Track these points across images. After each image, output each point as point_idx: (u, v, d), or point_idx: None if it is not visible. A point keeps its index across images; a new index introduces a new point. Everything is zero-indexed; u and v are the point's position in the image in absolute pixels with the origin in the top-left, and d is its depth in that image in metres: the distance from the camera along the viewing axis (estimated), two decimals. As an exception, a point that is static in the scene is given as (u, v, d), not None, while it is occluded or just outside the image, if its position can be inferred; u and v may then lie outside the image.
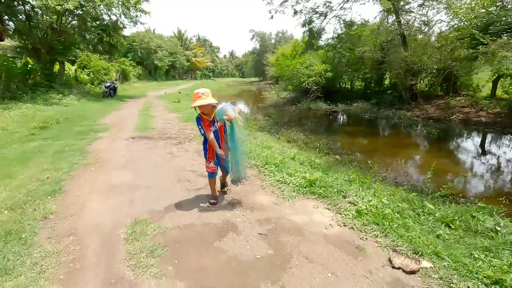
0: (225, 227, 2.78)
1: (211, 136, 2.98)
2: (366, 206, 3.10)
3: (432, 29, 16.06)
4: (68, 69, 18.19)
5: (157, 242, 2.48)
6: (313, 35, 16.93)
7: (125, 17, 15.79)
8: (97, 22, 15.14)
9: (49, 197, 3.30)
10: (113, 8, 14.64)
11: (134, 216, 2.93)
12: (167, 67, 43.28)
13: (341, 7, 15.58)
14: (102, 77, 20.62)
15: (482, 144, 10.80)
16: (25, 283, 1.95)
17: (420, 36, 16.33)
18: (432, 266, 2.20)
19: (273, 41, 62.05)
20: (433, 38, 16.00)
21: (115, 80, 21.52)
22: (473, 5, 11.87)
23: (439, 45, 13.82)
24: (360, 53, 18.99)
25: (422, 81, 18.70)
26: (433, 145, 10.29)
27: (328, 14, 15.51)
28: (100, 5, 13.31)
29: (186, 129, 7.58)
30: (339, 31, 17.28)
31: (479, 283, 1.97)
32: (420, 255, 2.32)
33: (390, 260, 2.28)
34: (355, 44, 18.17)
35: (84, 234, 2.61)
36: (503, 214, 3.38)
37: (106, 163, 4.68)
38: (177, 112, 10.90)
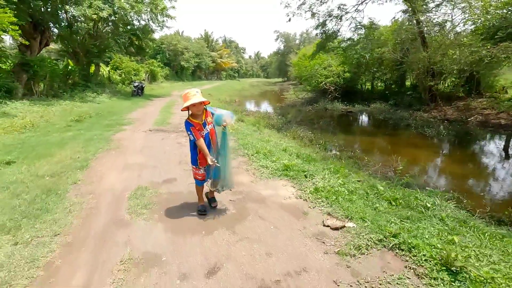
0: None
1: (202, 142, 2.78)
2: (324, 185, 3.73)
3: (451, 29, 15.77)
4: (102, 70, 20.05)
5: (151, 201, 3.31)
6: (328, 37, 17.28)
7: (153, 22, 17.24)
8: (128, 27, 16.66)
9: (78, 170, 4.28)
10: (142, 15, 16.06)
11: (138, 184, 3.80)
12: (193, 68, 45.20)
13: (356, 9, 15.81)
14: (132, 77, 22.38)
15: (486, 145, 10.76)
16: (59, 217, 2.87)
17: (437, 35, 16.05)
18: (355, 225, 2.80)
19: (297, 41, 62.23)
20: (451, 37, 15.67)
21: (143, 80, 23.15)
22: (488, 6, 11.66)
23: (458, 45, 13.57)
24: (379, 54, 18.96)
25: (444, 82, 18.35)
26: (435, 145, 10.45)
27: (342, 16, 15.78)
28: (130, 12, 14.72)
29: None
30: (354, 33, 17.41)
31: (381, 235, 2.56)
32: (349, 219, 2.93)
33: (323, 221, 2.92)
34: (374, 45, 18.22)
35: (100, 194, 3.51)
36: (454, 201, 3.83)
37: (125, 149, 5.65)
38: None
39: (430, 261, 2.20)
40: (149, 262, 2.28)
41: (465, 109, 14.98)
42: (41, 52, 14.82)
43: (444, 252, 2.22)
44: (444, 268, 2.12)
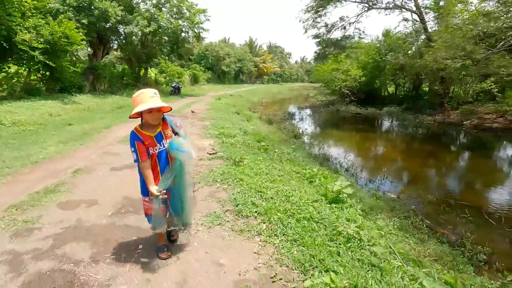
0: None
1: (145, 166, 2.00)
2: (238, 139, 6.08)
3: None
4: (150, 73, 24.39)
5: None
6: (330, 45, 18.98)
7: (190, 34, 20.84)
8: (169, 39, 20.48)
9: (105, 129, 7.29)
10: (181, 28, 19.70)
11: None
12: (235, 72, 49.08)
13: (357, 20, 17.32)
14: (175, 80, 26.51)
15: (450, 142, 11.84)
16: (86, 140, 5.77)
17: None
18: (223, 154, 5.14)
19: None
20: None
21: (180, 81, 26.88)
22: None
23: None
24: (392, 59, 19.82)
25: (458, 88, 18.56)
26: (399, 140, 11.90)
27: (347, 27, 17.40)
28: (171, 26, 18.37)
29: (205, 114, 11.24)
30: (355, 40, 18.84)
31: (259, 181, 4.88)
32: (240, 160, 5.26)
33: (208, 152, 5.31)
34: (383, 51, 19.25)
35: (112, 140, 6.38)
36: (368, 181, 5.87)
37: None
38: (209, 105, 14.82)
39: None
40: None
41: (468, 113, 15.36)
42: (105, 58, 19.31)
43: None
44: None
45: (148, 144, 2.01)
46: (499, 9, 12.18)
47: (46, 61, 10.24)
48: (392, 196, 5.69)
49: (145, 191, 2.11)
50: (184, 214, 2.20)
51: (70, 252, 2.29)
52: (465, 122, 14.26)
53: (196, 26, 20.17)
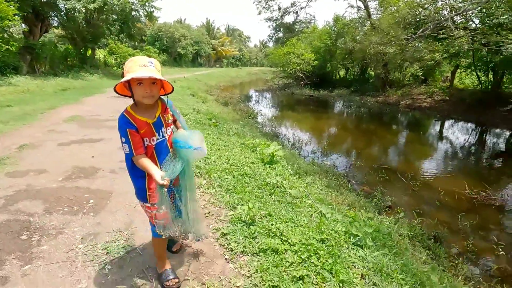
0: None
1: (145, 162, 1.50)
2: (189, 117, 6.38)
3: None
4: (98, 54, 22.83)
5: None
6: (284, 28, 19.65)
7: (140, 12, 19.82)
8: (117, 17, 19.29)
9: (50, 110, 7.05)
10: (130, 6, 18.64)
11: (74, 114, 6.54)
12: (192, 55, 47.66)
13: (307, 5, 18.12)
14: (126, 61, 25.15)
15: (383, 119, 13.41)
16: (29, 120, 5.63)
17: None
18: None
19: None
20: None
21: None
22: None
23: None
24: (341, 44, 21.09)
25: (397, 72, 20.43)
26: (350, 120, 13.12)
27: (298, 12, 18.09)
28: (118, 4, 17.31)
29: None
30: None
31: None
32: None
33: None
34: (333, 36, 20.43)
35: (58, 120, 6.25)
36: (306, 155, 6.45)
37: (87, 104, 8.40)
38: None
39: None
40: None
41: (405, 95, 17.24)
42: (45, 36, 17.63)
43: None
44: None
45: (143, 133, 1.51)
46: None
47: (-27, 37, 9.27)
48: (327, 163, 6.53)
49: (140, 195, 1.63)
50: (191, 223, 1.70)
51: (23, 207, 2.54)
52: (401, 103, 16.06)
53: (147, 4, 19.23)
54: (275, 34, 20.95)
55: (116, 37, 21.22)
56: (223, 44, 65.57)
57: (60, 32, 20.26)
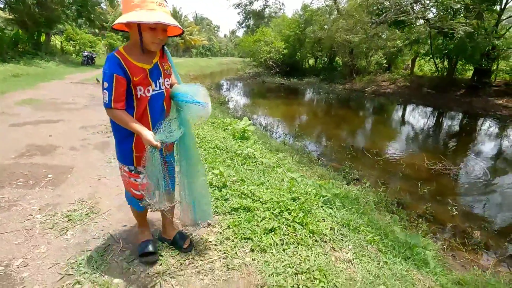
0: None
1: (125, 116, 1.26)
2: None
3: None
4: (54, 40, 21.11)
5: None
6: (253, 15, 19.48)
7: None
8: (75, 0, 17.90)
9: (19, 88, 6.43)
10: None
11: (30, 97, 6.03)
12: (159, 44, 45.72)
13: None
14: (86, 49, 23.51)
15: (346, 104, 14.01)
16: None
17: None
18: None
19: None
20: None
21: (94, 51, 24.02)
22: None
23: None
24: (310, 33, 21.39)
25: (363, 60, 21.18)
26: (319, 106, 13.46)
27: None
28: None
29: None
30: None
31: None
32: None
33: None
34: (302, 25, 20.64)
35: (9, 103, 5.71)
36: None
37: (44, 89, 7.76)
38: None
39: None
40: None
41: (370, 82, 17.95)
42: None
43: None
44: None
45: (137, 81, 1.25)
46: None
47: None
48: (298, 144, 6.67)
49: (122, 156, 1.39)
50: (195, 204, 1.47)
51: (-30, 183, 2.30)
52: (367, 89, 16.74)
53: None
54: (245, 21, 20.58)
55: (74, 22, 19.67)
56: (191, 33, 63.64)
57: (8, 15, 18.36)
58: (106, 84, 1.22)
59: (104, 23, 32.64)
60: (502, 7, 12.02)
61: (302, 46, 23.23)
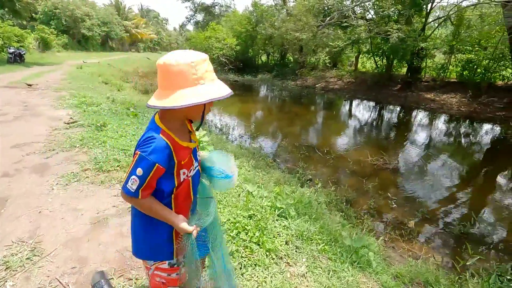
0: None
1: (156, 204, 1.04)
2: (103, 107, 5.72)
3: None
4: (-30, 34, 18.20)
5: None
6: (202, 10, 19.15)
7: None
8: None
9: None
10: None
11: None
12: (101, 38, 42.19)
13: None
14: (12, 44, 20.70)
15: (298, 99, 14.70)
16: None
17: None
18: (84, 122, 4.86)
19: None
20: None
21: (23, 46, 21.44)
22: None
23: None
24: (261, 30, 21.63)
25: (311, 57, 22.07)
26: (273, 103, 13.79)
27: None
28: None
29: (61, 84, 9.58)
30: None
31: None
32: (103, 125, 4.97)
33: (65, 122, 4.90)
34: (253, 22, 20.79)
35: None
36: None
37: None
38: (67, 75, 12.66)
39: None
40: None
41: (320, 78, 18.86)
42: None
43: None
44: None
45: (184, 164, 1.06)
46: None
47: None
48: (254, 146, 6.80)
49: (160, 250, 1.13)
50: (228, 276, 1.29)
51: None
52: (317, 85, 17.59)
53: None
54: (194, 17, 20.00)
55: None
56: (137, 26, 59.84)
57: None
58: (140, 171, 0.95)
59: (33, 14, 29.22)
60: (428, 11, 13.56)
61: (254, 43, 23.42)
